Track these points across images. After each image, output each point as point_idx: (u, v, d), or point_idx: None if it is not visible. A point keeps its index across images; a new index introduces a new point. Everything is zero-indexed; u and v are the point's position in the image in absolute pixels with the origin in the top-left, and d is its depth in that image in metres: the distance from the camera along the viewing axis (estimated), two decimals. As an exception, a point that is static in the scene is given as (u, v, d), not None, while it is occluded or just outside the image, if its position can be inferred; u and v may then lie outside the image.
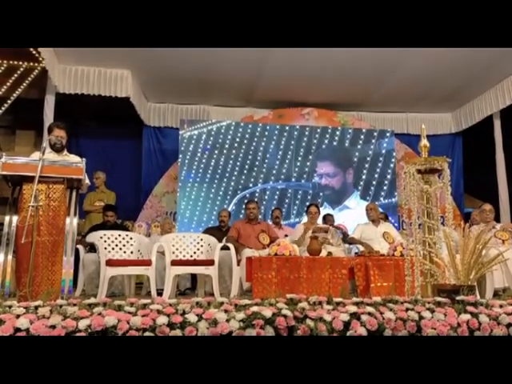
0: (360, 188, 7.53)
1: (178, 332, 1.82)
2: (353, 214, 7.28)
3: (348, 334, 1.94)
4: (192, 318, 1.88)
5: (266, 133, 7.45)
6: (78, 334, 1.73)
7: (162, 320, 1.84)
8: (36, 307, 1.93)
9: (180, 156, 7.19)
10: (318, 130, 7.56)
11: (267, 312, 1.92)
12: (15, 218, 3.01)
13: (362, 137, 7.65)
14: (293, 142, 7.47)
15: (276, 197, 7.30)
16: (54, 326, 1.75)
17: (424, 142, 2.97)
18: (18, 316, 1.83)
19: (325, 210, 7.09)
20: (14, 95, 5.86)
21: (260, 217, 6.13)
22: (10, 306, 1.96)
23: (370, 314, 2.04)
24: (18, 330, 1.74)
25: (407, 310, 2.12)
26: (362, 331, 1.94)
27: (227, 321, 1.87)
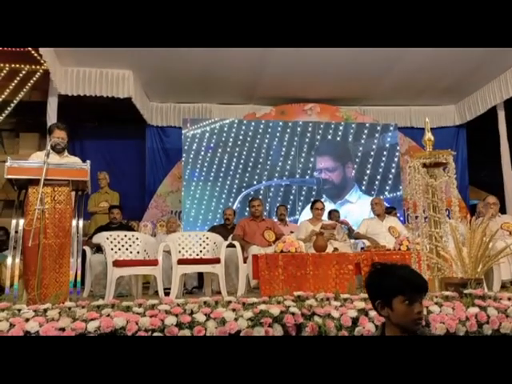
0: (364, 183, 7.50)
1: (186, 332, 1.82)
2: (354, 208, 7.27)
3: (356, 330, 1.93)
4: (200, 317, 1.88)
5: (269, 130, 7.42)
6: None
7: (170, 320, 1.84)
8: (45, 310, 1.95)
9: (183, 155, 7.19)
10: (321, 126, 7.52)
11: (275, 310, 1.92)
12: (22, 222, 3.03)
13: (366, 131, 7.60)
14: (296, 139, 7.44)
15: (280, 193, 7.28)
16: (63, 329, 1.76)
17: (428, 135, 2.95)
18: (27, 319, 1.84)
19: (325, 203, 7.05)
20: (17, 98, 5.88)
21: (265, 214, 6.13)
22: (19, 310, 1.97)
23: (377, 309, 2.03)
24: (27, 333, 1.75)
25: (415, 304, 2.11)
26: (371, 327, 1.94)
27: (235, 320, 1.88)
